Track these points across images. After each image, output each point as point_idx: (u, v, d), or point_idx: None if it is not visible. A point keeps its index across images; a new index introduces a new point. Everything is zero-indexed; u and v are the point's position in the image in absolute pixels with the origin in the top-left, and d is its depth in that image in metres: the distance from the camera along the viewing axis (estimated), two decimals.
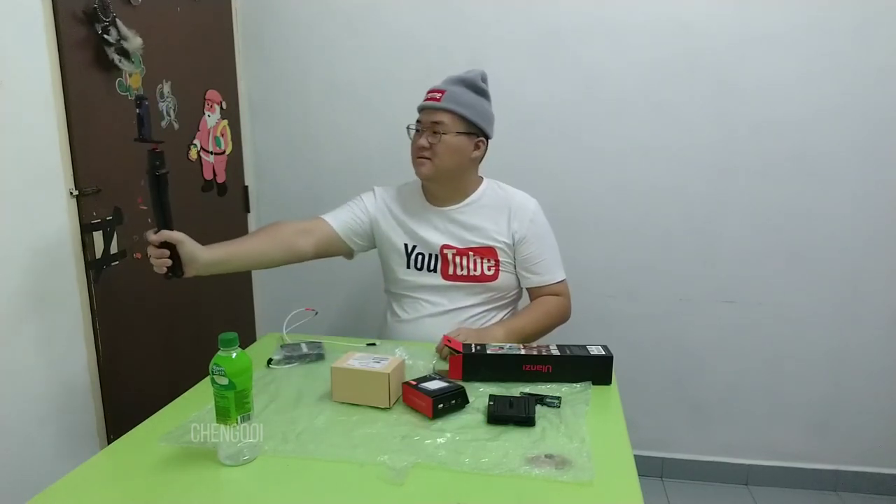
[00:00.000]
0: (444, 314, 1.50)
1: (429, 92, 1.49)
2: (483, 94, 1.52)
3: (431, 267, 1.52)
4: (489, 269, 1.50)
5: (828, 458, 2.12)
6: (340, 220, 1.54)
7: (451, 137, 1.45)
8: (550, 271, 1.54)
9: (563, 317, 1.55)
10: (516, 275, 1.55)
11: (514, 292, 1.58)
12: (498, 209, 1.53)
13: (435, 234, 1.52)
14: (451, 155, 1.47)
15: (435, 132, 1.45)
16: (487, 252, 1.50)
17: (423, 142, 1.46)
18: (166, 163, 1.18)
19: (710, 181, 1.99)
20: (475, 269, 1.50)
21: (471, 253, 1.50)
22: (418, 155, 1.47)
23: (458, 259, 1.50)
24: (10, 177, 1.23)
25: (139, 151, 1.59)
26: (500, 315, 1.54)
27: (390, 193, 1.60)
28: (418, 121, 1.49)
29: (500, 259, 1.51)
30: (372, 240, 1.59)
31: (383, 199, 1.58)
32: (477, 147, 1.51)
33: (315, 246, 1.49)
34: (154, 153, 1.17)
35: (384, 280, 1.64)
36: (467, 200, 1.53)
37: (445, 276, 1.50)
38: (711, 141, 1.96)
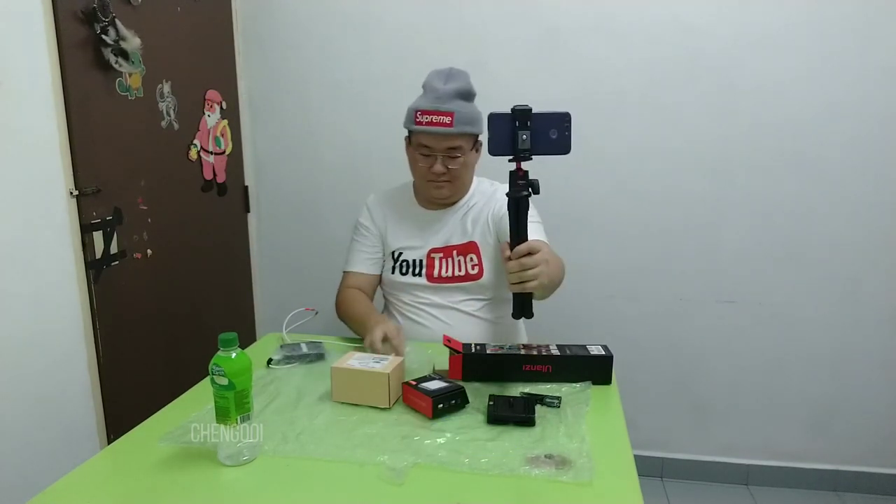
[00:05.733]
0: (437, 310, 1.50)
1: (428, 113, 1.37)
2: (474, 97, 1.46)
3: (416, 271, 1.51)
4: (473, 268, 1.49)
5: (828, 458, 2.12)
6: (369, 263, 1.55)
7: (467, 156, 1.43)
8: (531, 235, 1.44)
9: (562, 268, 1.41)
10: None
11: (503, 290, 1.53)
12: (483, 206, 1.52)
13: (423, 238, 1.52)
14: (468, 172, 1.48)
15: (453, 157, 1.41)
16: (469, 248, 1.49)
17: (441, 168, 1.40)
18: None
19: (710, 181, 1.99)
20: (459, 270, 1.49)
21: (455, 252, 1.50)
22: (436, 180, 1.43)
23: (443, 261, 1.50)
24: (10, 177, 1.23)
25: (139, 151, 1.60)
26: (496, 312, 1.53)
27: (383, 200, 1.59)
28: (425, 145, 1.40)
29: (483, 254, 1.49)
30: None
31: (379, 210, 1.58)
32: (478, 151, 1.49)
33: (373, 296, 1.57)
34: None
35: (381, 279, 1.63)
36: (459, 203, 1.53)
37: (430, 279, 1.50)
38: (711, 141, 1.96)
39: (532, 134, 1.04)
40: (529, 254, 1.05)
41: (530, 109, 1.04)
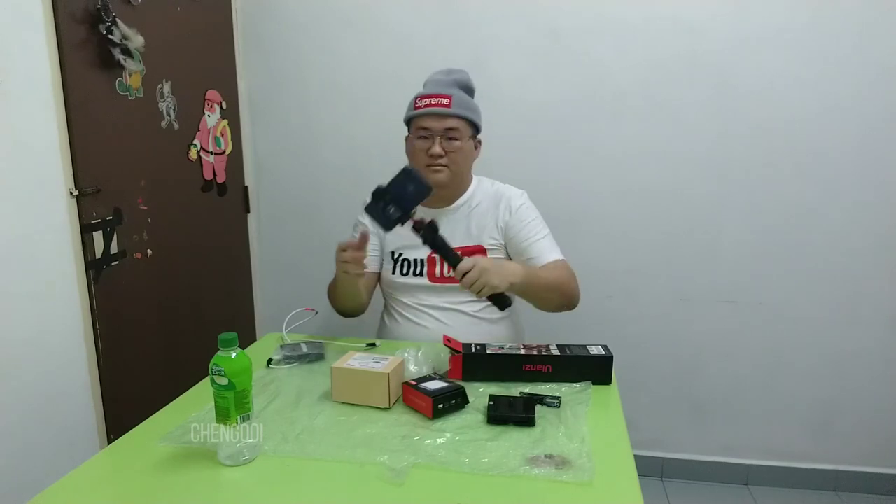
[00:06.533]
0: (437, 312, 1.50)
1: (427, 97, 1.45)
2: (474, 93, 1.53)
3: (417, 271, 1.51)
4: None
5: (828, 458, 2.12)
6: (369, 261, 1.52)
7: (465, 143, 1.46)
8: (544, 252, 1.47)
9: (572, 288, 1.47)
10: None
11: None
12: (488, 207, 1.52)
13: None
14: (465, 160, 1.49)
15: (450, 139, 1.43)
16: (476, 252, 1.49)
17: (439, 149, 1.42)
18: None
19: (710, 181, 1.99)
20: None
21: (458, 253, 1.50)
22: (433, 163, 1.44)
23: (444, 261, 1.50)
24: (10, 177, 1.23)
25: (139, 151, 1.60)
26: (498, 315, 1.53)
27: None
28: (424, 127, 1.44)
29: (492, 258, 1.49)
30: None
31: None
32: (476, 148, 1.52)
33: (369, 294, 1.58)
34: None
35: (380, 280, 1.63)
36: (459, 201, 1.53)
37: (432, 278, 1.50)
38: (711, 141, 1.96)
39: (394, 199, 1.23)
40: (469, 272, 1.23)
41: (382, 187, 1.24)
